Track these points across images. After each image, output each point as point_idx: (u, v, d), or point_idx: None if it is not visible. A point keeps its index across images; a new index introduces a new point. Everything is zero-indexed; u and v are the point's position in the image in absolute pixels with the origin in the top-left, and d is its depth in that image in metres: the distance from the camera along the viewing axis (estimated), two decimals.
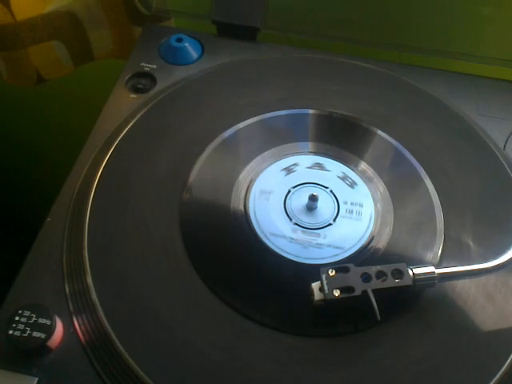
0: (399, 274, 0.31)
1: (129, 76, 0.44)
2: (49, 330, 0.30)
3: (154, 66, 0.45)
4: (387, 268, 0.31)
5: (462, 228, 0.36)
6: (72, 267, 0.34)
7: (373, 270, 0.31)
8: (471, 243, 0.35)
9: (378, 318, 0.29)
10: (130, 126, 0.40)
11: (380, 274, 0.31)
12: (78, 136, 0.42)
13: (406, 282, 0.31)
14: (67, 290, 0.33)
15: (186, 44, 0.45)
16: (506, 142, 0.41)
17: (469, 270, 0.31)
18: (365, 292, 0.30)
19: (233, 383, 0.30)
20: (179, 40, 0.45)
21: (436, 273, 0.31)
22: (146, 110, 0.41)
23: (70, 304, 0.32)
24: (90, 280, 0.32)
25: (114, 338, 0.30)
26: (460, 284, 0.33)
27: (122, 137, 0.40)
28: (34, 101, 0.62)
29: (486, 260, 0.32)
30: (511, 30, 0.46)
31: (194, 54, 0.46)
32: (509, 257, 0.32)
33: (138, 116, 0.41)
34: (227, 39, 0.47)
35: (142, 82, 0.44)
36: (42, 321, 0.30)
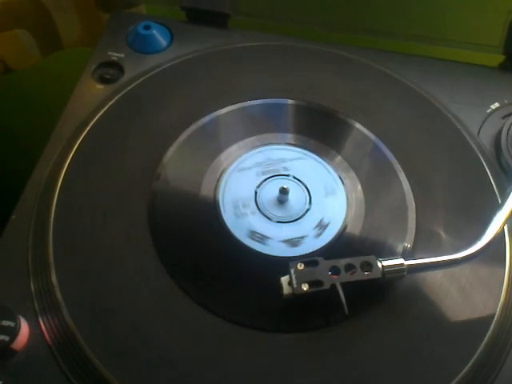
0: (368, 266, 0.30)
1: (95, 66, 0.43)
2: (13, 333, 0.29)
3: (122, 55, 0.43)
4: (356, 261, 0.31)
5: (434, 218, 0.36)
6: (37, 266, 0.33)
7: (341, 263, 0.30)
8: (443, 233, 0.35)
9: (346, 312, 0.29)
10: (96, 118, 0.39)
11: (349, 267, 0.30)
12: (50, 125, 0.41)
13: (375, 274, 0.30)
14: (32, 289, 0.32)
15: (154, 31, 0.44)
16: (479, 129, 0.41)
17: (438, 261, 0.31)
18: (333, 286, 0.30)
19: (200, 381, 0.29)
20: (147, 27, 0.44)
21: (405, 264, 0.31)
22: (113, 101, 0.40)
23: (36, 304, 0.32)
24: (54, 278, 0.32)
25: (79, 337, 0.30)
26: (431, 275, 0.33)
27: (89, 129, 0.39)
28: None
29: (457, 250, 0.32)
30: (486, 13, 0.45)
31: (163, 42, 0.44)
32: (479, 247, 0.31)
33: (106, 107, 0.39)
34: (197, 26, 0.45)
35: (110, 71, 0.42)
36: (5, 323, 0.29)
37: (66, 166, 0.37)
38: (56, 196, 0.35)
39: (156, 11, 0.50)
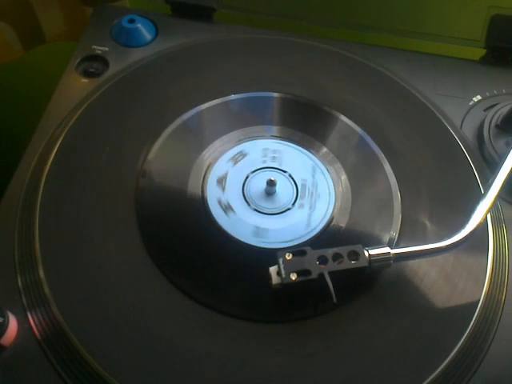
0: (355, 255, 0.31)
1: (79, 59, 0.42)
2: (1, 328, 0.29)
3: (106, 49, 0.43)
4: (343, 250, 0.31)
5: (419, 208, 0.36)
6: (24, 260, 0.33)
7: (329, 252, 0.31)
8: (428, 223, 0.36)
9: (335, 300, 0.29)
10: (81, 111, 0.39)
11: (336, 257, 0.31)
12: (34, 119, 0.40)
13: (362, 263, 0.31)
14: (20, 284, 0.32)
15: (139, 25, 0.43)
16: (462, 122, 0.42)
17: (424, 250, 0.32)
18: (321, 275, 0.30)
19: (192, 373, 0.30)
20: (131, 21, 0.44)
21: (391, 253, 0.31)
22: (98, 94, 0.40)
23: (24, 299, 0.32)
24: (41, 273, 0.32)
25: (69, 331, 0.30)
26: (417, 264, 0.34)
27: (73, 123, 0.38)
28: None
29: (442, 239, 0.32)
30: (468, 9, 0.46)
31: (148, 36, 0.44)
32: (463, 235, 0.32)
33: (90, 101, 0.39)
34: (182, 20, 0.45)
35: (94, 65, 0.42)
36: None
37: (50, 160, 0.36)
38: (41, 190, 0.35)
39: (140, 5, 0.50)
